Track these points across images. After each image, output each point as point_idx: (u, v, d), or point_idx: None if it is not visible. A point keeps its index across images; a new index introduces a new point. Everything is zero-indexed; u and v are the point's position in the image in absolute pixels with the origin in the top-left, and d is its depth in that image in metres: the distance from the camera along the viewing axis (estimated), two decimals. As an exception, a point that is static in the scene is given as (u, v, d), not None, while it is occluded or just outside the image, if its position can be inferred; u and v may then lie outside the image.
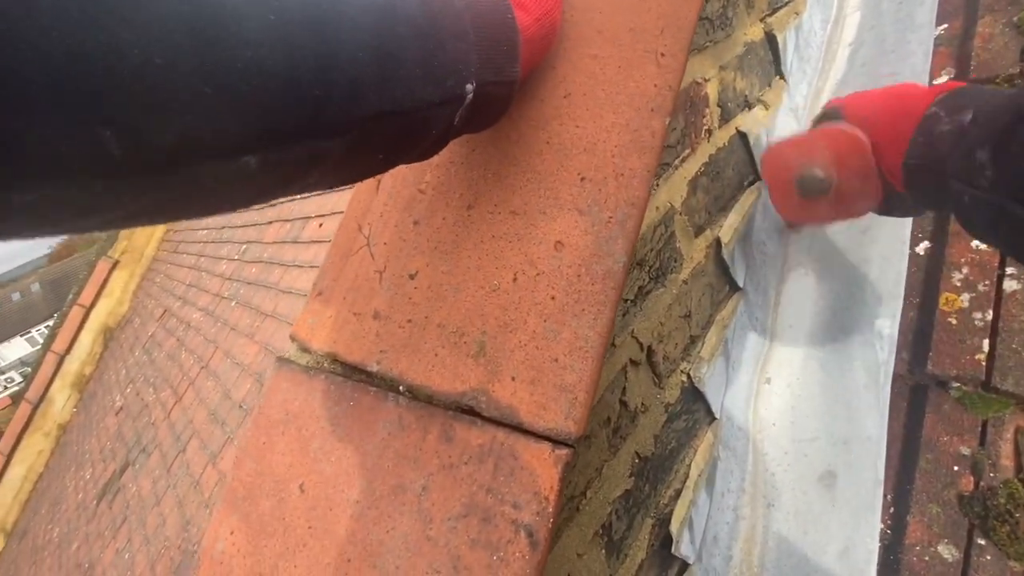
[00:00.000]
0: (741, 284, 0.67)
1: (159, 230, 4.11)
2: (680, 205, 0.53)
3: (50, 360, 3.84)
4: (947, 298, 0.60)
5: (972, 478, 0.53)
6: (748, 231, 0.68)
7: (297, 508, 0.40)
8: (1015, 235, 0.36)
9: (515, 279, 0.39)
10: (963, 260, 0.61)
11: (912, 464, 0.57)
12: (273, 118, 0.20)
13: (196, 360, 2.16)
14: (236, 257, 2.41)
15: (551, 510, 0.33)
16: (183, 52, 0.17)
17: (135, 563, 1.65)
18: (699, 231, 0.58)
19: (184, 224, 3.75)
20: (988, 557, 0.50)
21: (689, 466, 0.60)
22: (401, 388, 0.40)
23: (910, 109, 0.46)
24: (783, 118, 0.72)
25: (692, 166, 0.54)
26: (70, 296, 3.99)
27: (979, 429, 0.55)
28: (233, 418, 1.59)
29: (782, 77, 0.75)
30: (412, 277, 0.43)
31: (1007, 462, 0.52)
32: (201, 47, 0.17)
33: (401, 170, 0.48)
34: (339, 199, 1.69)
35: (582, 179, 0.39)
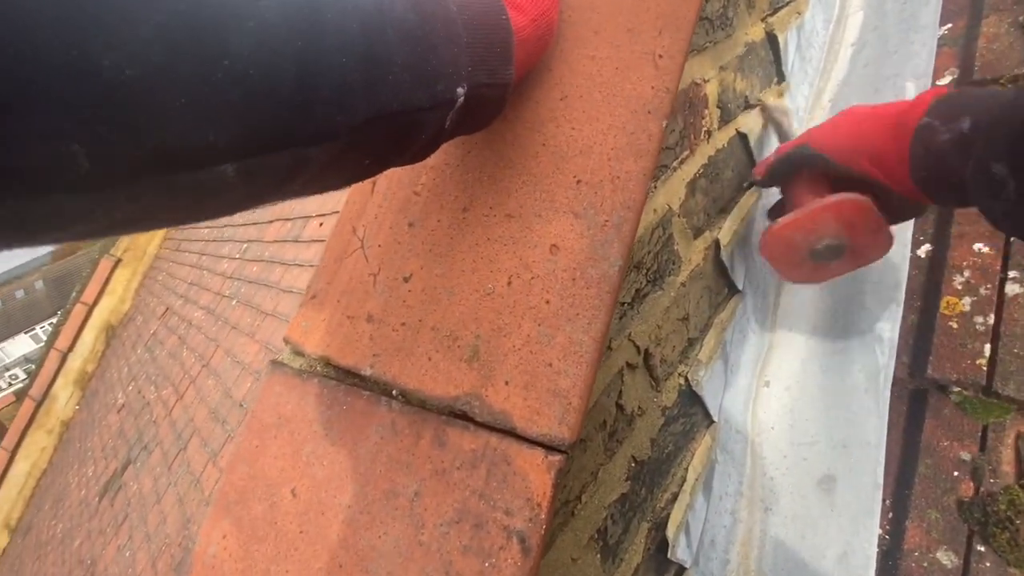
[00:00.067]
0: (740, 286, 0.67)
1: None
2: (678, 207, 0.52)
3: (53, 357, 3.86)
4: (948, 302, 0.60)
5: (972, 484, 0.53)
6: (748, 233, 0.68)
7: (289, 512, 0.40)
8: None
9: (510, 283, 0.39)
10: (965, 263, 0.61)
11: (911, 469, 0.56)
12: (252, 127, 0.19)
13: (197, 358, 2.16)
14: (237, 256, 2.41)
15: (544, 516, 0.33)
16: (157, 63, 0.16)
17: (136, 560, 1.66)
18: (698, 233, 0.58)
19: (186, 222, 3.76)
20: (987, 564, 0.49)
21: (686, 469, 0.60)
22: (394, 392, 0.40)
23: (900, 124, 0.45)
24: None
25: (691, 168, 0.54)
26: (73, 294, 4.01)
27: (979, 434, 0.54)
28: (234, 417, 1.59)
29: (783, 78, 0.74)
30: (406, 280, 0.43)
31: (1007, 468, 0.51)
32: (176, 58, 0.16)
33: (396, 172, 0.47)
34: (340, 198, 1.69)
35: (578, 182, 0.39)
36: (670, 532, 0.56)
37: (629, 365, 0.48)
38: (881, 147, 0.46)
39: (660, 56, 0.40)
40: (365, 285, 0.45)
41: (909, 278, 0.62)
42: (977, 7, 0.74)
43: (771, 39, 0.69)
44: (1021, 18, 0.68)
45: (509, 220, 0.40)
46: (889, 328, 0.60)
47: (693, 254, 0.57)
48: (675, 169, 0.51)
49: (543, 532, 0.32)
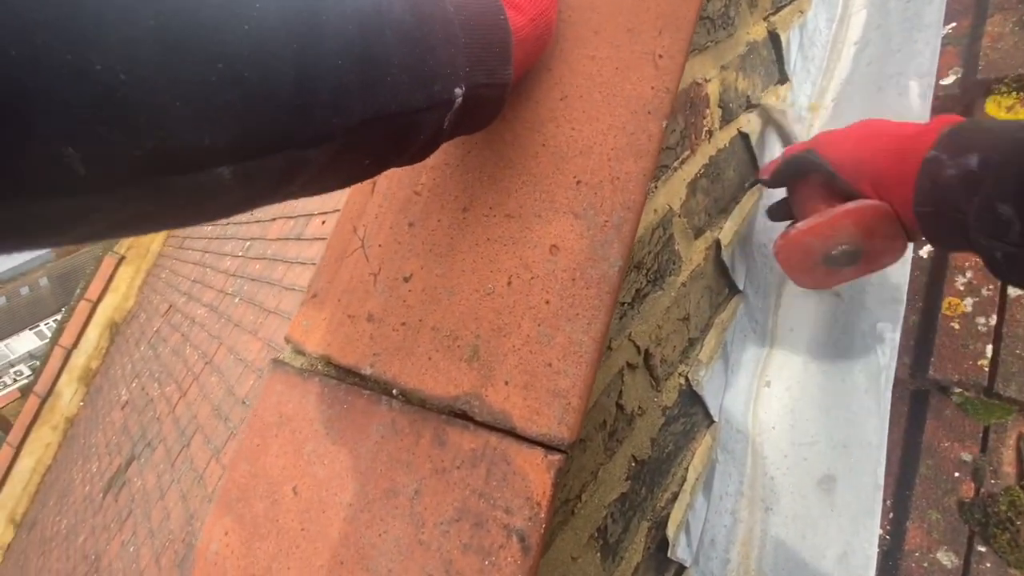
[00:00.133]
0: (741, 286, 0.67)
1: (164, 226, 4.14)
2: (679, 207, 0.52)
3: (57, 354, 3.88)
4: (950, 302, 0.60)
5: (973, 485, 0.53)
6: (749, 233, 0.67)
7: (290, 510, 0.40)
8: None
9: (509, 283, 0.39)
10: (967, 264, 0.60)
11: (912, 470, 0.56)
12: (248, 130, 0.19)
13: (200, 356, 2.17)
14: (240, 254, 2.42)
15: (543, 516, 0.33)
16: (151, 66, 0.16)
17: (140, 556, 1.67)
18: (698, 233, 0.58)
19: (189, 220, 3.77)
20: (988, 564, 0.49)
21: (687, 469, 0.60)
22: (395, 392, 0.40)
23: (908, 151, 0.44)
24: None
25: (692, 168, 0.54)
26: (77, 291, 4.03)
27: (980, 435, 0.54)
28: (236, 413, 1.60)
29: (785, 77, 0.74)
30: (407, 280, 0.43)
31: (1008, 469, 0.51)
32: (170, 61, 0.17)
33: (396, 172, 0.47)
34: (341, 197, 1.68)
35: (578, 182, 0.39)
36: (670, 531, 0.56)
37: (629, 365, 0.48)
38: (884, 172, 0.45)
39: (660, 56, 0.40)
40: (366, 285, 0.45)
41: (911, 278, 0.62)
42: (982, 6, 0.73)
43: (773, 38, 0.69)
44: (1026, 17, 0.68)
45: (509, 220, 0.40)
46: (891, 328, 0.59)
47: (694, 254, 0.57)
48: (676, 169, 0.51)
49: (543, 531, 0.32)
